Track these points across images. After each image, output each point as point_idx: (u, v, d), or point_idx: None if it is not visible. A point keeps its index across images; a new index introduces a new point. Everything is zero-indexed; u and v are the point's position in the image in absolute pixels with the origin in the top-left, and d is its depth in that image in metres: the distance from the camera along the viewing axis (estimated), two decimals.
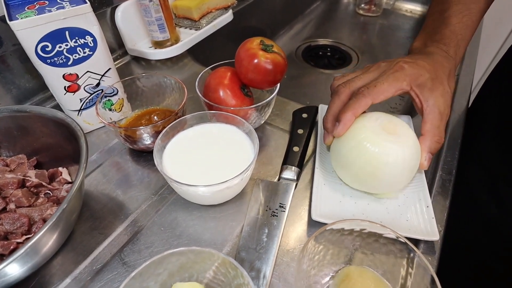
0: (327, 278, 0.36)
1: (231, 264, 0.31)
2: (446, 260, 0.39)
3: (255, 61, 0.46)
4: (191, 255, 0.32)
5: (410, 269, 0.33)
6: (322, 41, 1.05)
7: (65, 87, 0.48)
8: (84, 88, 0.49)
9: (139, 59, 0.73)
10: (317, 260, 0.36)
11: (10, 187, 0.39)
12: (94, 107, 0.52)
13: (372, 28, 1.12)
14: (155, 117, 0.52)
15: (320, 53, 1.01)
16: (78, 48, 0.46)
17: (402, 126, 0.41)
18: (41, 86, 0.60)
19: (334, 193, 0.44)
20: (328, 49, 1.02)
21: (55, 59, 0.45)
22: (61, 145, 0.44)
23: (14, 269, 0.31)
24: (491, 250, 0.57)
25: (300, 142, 0.49)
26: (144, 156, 0.51)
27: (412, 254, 0.33)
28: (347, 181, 0.44)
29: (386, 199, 0.43)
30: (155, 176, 0.48)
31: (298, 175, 0.46)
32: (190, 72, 0.70)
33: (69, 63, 0.46)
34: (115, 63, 0.70)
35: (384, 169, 0.38)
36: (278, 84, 0.51)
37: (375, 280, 0.34)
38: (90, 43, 0.47)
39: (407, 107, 0.77)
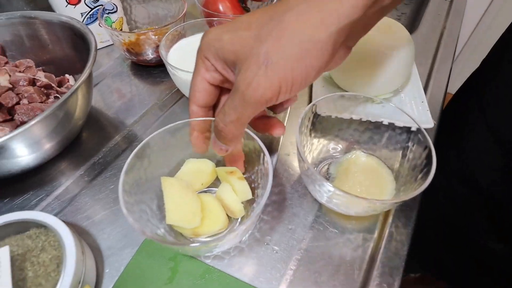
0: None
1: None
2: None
3: None
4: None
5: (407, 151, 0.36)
6: None
7: None
8: (85, 1, 0.50)
9: None
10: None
11: (21, 84, 0.40)
12: (96, 23, 0.53)
13: None
14: None
15: None
16: None
17: (395, 25, 0.42)
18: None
19: (332, 96, 0.46)
20: None
21: None
22: (68, 55, 0.45)
23: (22, 151, 0.33)
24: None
25: None
26: (147, 70, 0.52)
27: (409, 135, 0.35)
28: (344, 85, 0.45)
29: (382, 103, 0.45)
30: (157, 88, 0.50)
31: None
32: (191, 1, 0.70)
33: None
34: None
35: (382, 64, 0.40)
36: None
37: (379, 166, 0.37)
38: None
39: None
